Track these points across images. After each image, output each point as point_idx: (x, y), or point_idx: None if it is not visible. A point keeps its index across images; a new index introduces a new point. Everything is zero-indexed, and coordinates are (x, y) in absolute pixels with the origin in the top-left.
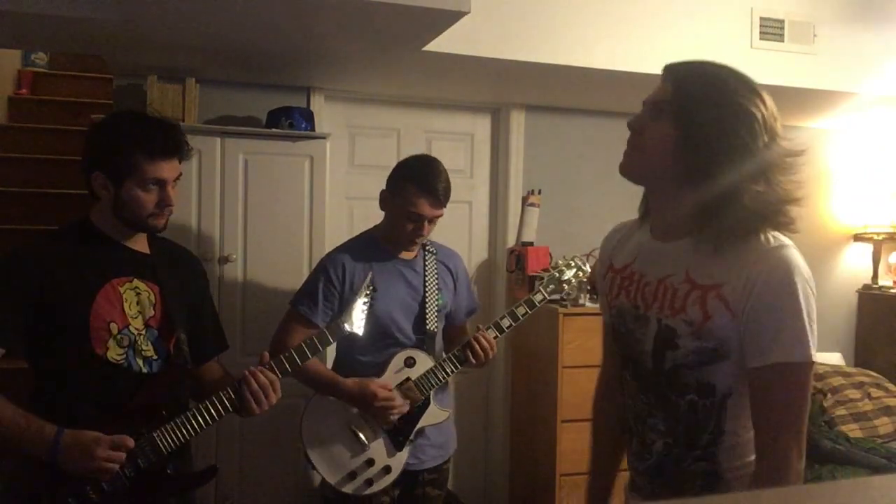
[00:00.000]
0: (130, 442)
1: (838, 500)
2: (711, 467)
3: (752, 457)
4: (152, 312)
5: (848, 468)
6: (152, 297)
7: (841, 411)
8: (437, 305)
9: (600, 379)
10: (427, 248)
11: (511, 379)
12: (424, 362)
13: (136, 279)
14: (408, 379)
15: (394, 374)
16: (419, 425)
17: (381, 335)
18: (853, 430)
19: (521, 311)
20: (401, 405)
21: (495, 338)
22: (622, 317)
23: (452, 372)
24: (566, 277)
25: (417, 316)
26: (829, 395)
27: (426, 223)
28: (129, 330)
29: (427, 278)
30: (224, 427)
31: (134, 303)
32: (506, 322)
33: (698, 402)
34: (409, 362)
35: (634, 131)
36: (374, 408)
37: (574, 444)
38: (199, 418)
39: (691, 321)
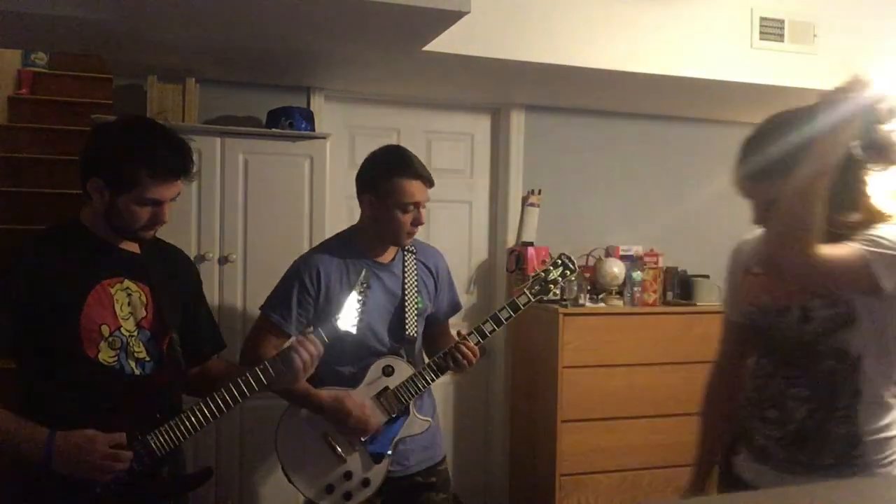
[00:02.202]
0: (123, 439)
1: (838, 500)
2: (852, 430)
3: (888, 419)
4: (144, 313)
5: None
6: (144, 298)
7: None
8: (416, 309)
9: (718, 371)
10: (407, 247)
11: (511, 379)
12: (403, 371)
13: (126, 279)
14: (386, 388)
15: (371, 383)
16: (399, 436)
17: (359, 345)
18: None
19: (504, 314)
20: (375, 425)
21: (477, 343)
22: (765, 313)
23: (433, 380)
24: (552, 278)
25: (396, 322)
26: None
27: (420, 209)
28: (121, 332)
29: (406, 281)
30: (224, 428)
31: (125, 304)
32: (488, 326)
33: (836, 367)
34: (388, 371)
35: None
36: (347, 427)
37: (574, 444)
38: (198, 415)
39: (824, 294)
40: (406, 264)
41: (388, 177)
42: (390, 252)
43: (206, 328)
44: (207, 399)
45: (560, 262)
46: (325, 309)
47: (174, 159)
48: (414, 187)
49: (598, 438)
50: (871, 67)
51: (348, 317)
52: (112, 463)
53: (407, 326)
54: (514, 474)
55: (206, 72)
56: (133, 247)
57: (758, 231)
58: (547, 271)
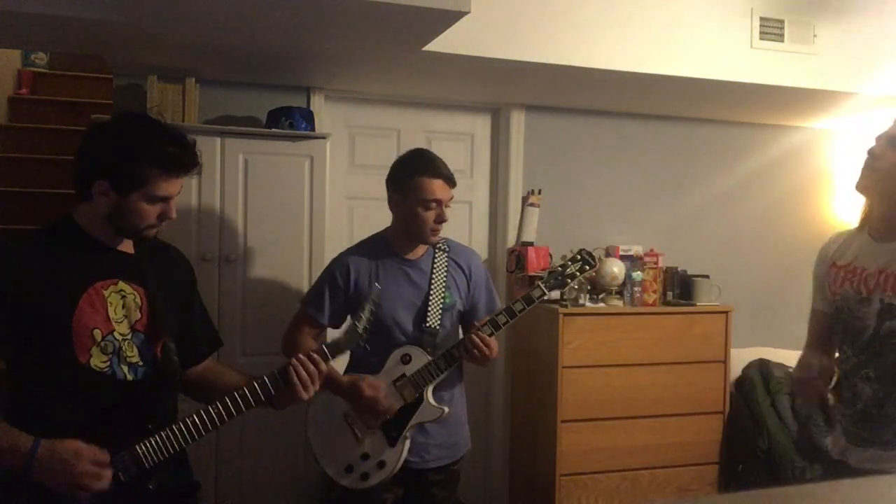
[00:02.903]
0: (107, 457)
1: (838, 500)
2: None
3: None
4: (139, 316)
5: None
6: (138, 300)
7: None
8: (441, 304)
9: (805, 352)
10: (439, 246)
11: (511, 379)
12: (420, 359)
13: (121, 281)
14: (403, 375)
15: (390, 370)
16: (413, 421)
17: (385, 336)
18: None
19: (518, 306)
20: (386, 408)
21: (491, 335)
22: (846, 301)
23: (447, 368)
24: (569, 272)
25: (420, 313)
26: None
27: (443, 207)
28: (114, 336)
29: (434, 276)
30: (224, 428)
31: (119, 306)
32: (502, 318)
33: None
34: (406, 359)
35: (874, 157)
36: (359, 406)
37: (574, 444)
38: (190, 428)
39: None
40: (436, 261)
41: (410, 176)
42: (420, 250)
43: (202, 327)
44: (201, 412)
45: (580, 256)
46: (356, 302)
47: (183, 154)
48: (435, 185)
49: (598, 438)
50: (870, 67)
51: (354, 335)
52: (90, 482)
53: (429, 318)
54: (514, 474)
55: (206, 72)
56: (128, 247)
57: (847, 229)
58: (564, 266)
